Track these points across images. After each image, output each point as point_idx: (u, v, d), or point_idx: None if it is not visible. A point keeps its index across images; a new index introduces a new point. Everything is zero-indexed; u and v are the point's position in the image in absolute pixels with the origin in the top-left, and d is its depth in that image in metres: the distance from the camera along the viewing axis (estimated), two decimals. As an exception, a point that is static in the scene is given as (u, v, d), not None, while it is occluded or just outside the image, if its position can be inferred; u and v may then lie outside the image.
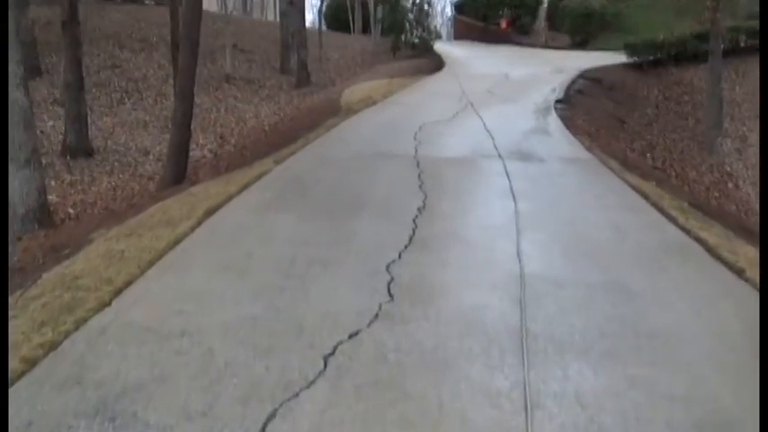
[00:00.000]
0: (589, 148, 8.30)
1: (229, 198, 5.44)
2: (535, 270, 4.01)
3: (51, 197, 8.63)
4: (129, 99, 15.63)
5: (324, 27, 26.06)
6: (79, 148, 11.52)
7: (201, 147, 12.23)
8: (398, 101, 12.70)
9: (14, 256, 4.11)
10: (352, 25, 27.60)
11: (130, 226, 4.70)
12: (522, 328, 3.17)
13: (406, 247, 4.40)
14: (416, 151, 7.78)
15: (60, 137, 11.80)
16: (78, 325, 3.03)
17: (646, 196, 5.94)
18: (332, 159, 7.52)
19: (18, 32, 5.32)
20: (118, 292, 3.44)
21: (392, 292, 3.62)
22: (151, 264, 3.86)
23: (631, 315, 3.39)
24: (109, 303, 3.30)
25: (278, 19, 21.84)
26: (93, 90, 15.46)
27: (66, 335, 2.94)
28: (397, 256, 4.21)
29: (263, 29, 23.55)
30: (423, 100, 12.73)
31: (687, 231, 4.90)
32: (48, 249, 4.27)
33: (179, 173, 8.73)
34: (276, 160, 7.35)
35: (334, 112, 11.59)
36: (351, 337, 3.06)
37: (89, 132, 12.00)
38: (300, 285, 3.65)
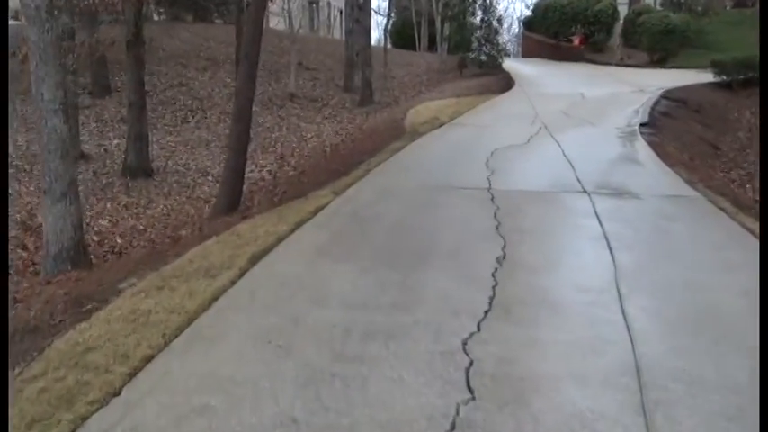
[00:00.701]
0: (690, 182, 7.21)
1: (279, 240, 4.78)
2: (656, 357, 3.11)
3: (104, 222, 8.36)
4: (193, 118, 15.56)
5: (389, 45, 25.62)
6: (139, 168, 11.41)
7: (261, 168, 11.83)
8: (467, 122, 11.90)
9: (31, 311, 3.59)
10: (417, 43, 27.09)
11: (165, 275, 4.11)
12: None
13: (486, 313, 3.60)
14: (490, 183, 6.96)
15: (123, 156, 11.72)
16: (75, 426, 2.40)
17: (775, 249, 4.88)
18: (395, 191, 6.80)
19: (56, 55, 4.88)
20: (132, 373, 2.80)
21: (472, 384, 2.83)
22: (179, 331, 3.23)
23: (809, 444, 2.46)
24: (118, 392, 2.66)
25: (343, 37, 21.51)
26: (159, 108, 15.51)
27: (57, 442, 2.32)
28: (475, 327, 3.42)
29: (328, 47, 23.33)
30: (493, 122, 11.87)
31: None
32: (71, 302, 3.74)
33: (233, 199, 8.28)
34: (335, 191, 6.71)
35: (398, 134, 10.91)
36: (419, 460, 2.30)
37: (150, 152, 11.88)
38: (356, 372, 2.91)
